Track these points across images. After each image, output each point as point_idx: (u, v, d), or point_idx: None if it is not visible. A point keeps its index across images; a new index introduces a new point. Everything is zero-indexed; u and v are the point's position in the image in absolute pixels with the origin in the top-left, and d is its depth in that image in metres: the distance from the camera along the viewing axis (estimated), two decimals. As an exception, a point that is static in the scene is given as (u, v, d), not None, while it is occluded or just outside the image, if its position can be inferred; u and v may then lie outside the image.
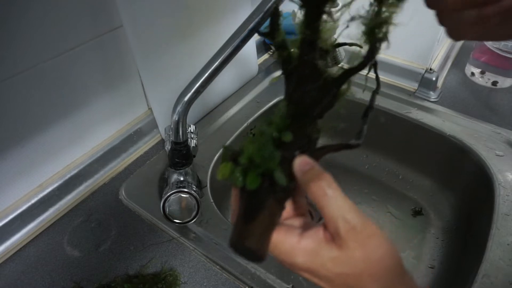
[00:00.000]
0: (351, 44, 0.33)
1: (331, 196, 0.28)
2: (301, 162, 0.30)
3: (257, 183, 0.29)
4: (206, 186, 0.64)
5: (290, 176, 0.30)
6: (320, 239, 0.28)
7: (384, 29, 0.29)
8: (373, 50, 0.30)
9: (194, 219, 0.56)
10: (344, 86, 0.31)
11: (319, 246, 0.28)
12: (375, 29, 0.29)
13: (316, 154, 0.31)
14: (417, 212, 0.81)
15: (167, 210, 0.55)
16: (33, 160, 0.56)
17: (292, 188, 0.31)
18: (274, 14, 0.34)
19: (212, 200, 0.62)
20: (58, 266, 0.54)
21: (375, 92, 0.33)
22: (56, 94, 0.54)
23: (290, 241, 0.29)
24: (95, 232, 0.58)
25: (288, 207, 0.32)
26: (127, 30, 0.57)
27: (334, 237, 0.28)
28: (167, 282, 0.51)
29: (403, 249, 0.75)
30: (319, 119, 0.32)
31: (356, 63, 0.31)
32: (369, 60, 0.30)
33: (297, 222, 0.32)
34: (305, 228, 0.30)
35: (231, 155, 0.30)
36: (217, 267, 0.54)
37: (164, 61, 0.65)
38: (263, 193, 0.29)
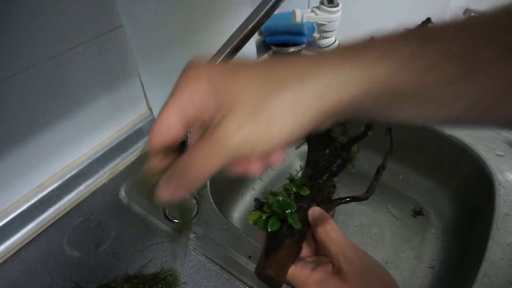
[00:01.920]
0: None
1: (333, 238, 0.36)
2: (313, 211, 0.39)
3: (276, 226, 0.37)
4: (206, 186, 0.64)
5: (306, 222, 0.39)
6: (328, 272, 0.35)
7: None
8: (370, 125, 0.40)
9: (194, 219, 0.56)
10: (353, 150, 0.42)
11: (326, 278, 0.35)
12: None
13: (329, 205, 0.41)
14: (417, 212, 0.81)
15: (167, 210, 0.55)
16: (33, 160, 0.56)
17: (307, 232, 0.39)
18: None
19: (212, 200, 0.62)
20: (58, 266, 0.54)
21: (388, 153, 0.45)
22: (56, 94, 0.54)
23: (304, 273, 0.36)
24: (95, 232, 0.58)
25: (309, 247, 0.40)
26: (127, 30, 0.57)
27: (338, 271, 0.34)
28: (167, 282, 0.51)
29: (403, 249, 0.75)
30: (334, 177, 0.42)
31: (358, 133, 0.41)
32: (368, 132, 0.41)
33: (313, 259, 0.39)
34: (318, 264, 0.37)
35: (259, 205, 0.39)
36: (217, 267, 0.54)
37: (164, 61, 0.65)
38: (282, 235, 0.37)
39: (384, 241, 0.77)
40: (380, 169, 0.45)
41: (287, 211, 0.38)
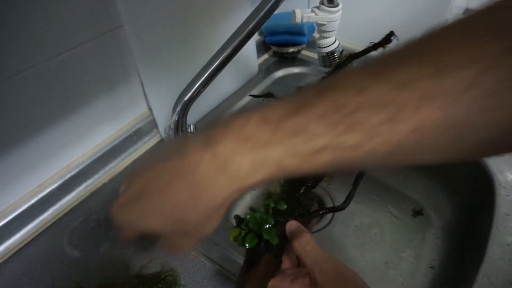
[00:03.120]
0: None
1: (308, 250, 0.37)
2: (290, 224, 0.40)
3: (254, 243, 0.39)
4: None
5: (285, 236, 0.40)
6: (305, 284, 0.36)
7: None
8: None
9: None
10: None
11: None
12: None
13: (307, 217, 0.43)
14: (417, 212, 0.81)
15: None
16: (33, 160, 0.56)
17: (286, 245, 0.40)
18: None
19: (212, 200, 0.62)
20: (58, 266, 0.54)
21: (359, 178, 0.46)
22: (56, 94, 0.54)
23: (284, 285, 0.37)
24: (95, 232, 0.58)
25: (291, 259, 0.41)
26: (127, 30, 0.57)
27: (315, 283, 0.35)
28: (167, 282, 0.51)
29: (403, 249, 0.75)
30: (311, 189, 0.44)
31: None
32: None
33: (293, 271, 0.40)
34: (297, 276, 0.38)
35: (238, 222, 0.41)
36: (217, 267, 0.54)
37: (164, 61, 0.65)
38: (261, 250, 0.39)
39: (384, 241, 0.77)
40: (358, 178, 0.46)
41: (265, 227, 0.39)
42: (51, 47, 0.51)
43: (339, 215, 0.82)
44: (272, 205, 0.42)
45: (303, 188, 0.44)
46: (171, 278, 0.52)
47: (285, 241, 0.41)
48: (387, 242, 0.77)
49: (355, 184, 0.46)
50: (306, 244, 0.38)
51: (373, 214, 0.81)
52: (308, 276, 0.37)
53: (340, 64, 0.51)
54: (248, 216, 0.40)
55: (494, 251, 0.55)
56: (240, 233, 0.40)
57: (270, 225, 0.40)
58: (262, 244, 0.39)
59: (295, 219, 0.41)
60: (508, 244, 0.56)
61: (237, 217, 0.42)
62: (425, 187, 0.83)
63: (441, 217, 0.79)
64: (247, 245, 0.39)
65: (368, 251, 0.75)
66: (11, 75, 0.48)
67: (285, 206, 0.41)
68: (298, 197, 0.43)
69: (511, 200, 0.62)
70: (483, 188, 0.68)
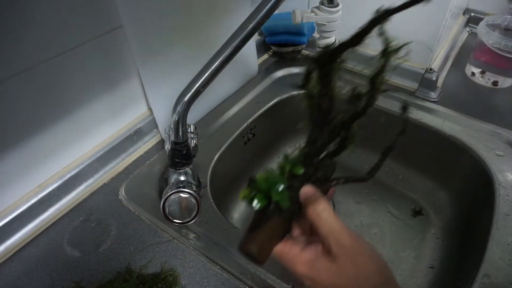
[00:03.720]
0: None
1: (324, 218, 0.34)
2: (304, 190, 0.37)
3: (263, 203, 0.36)
4: (206, 186, 0.64)
5: (298, 201, 0.37)
6: (318, 252, 0.34)
7: (383, 80, 0.36)
8: (373, 97, 0.37)
9: (194, 219, 0.56)
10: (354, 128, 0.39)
11: (316, 258, 0.34)
12: (377, 80, 0.36)
13: (324, 184, 0.39)
14: (417, 212, 0.81)
15: (167, 210, 0.55)
16: (33, 160, 0.56)
17: (297, 211, 0.37)
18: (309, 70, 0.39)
19: (212, 200, 0.62)
20: (58, 266, 0.54)
21: (400, 134, 0.40)
22: (56, 94, 0.54)
23: (294, 252, 0.35)
24: (95, 232, 0.58)
25: (304, 227, 0.39)
26: (127, 30, 0.57)
27: (328, 251, 0.33)
28: (167, 282, 0.51)
29: (403, 249, 0.75)
30: (333, 157, 0.39)
31: (359, 109, 0.38)
32: (370, 106, 0.37)
33: (305, 238, 0.37)
34: (309, 243, 0.35)
35: (250, 182, 0.38)
36: (217, 267, 0.54)
37: (164, 61, 0.65)
38: (269, 212, 0.36)
39: (384, 241, 0.77)
40: (388, 150, 0.41)
41: (276, 188, 0.36)
42: (50, 47, 0.51)
43: (339, 214, 0.82)
44: (288, 167, 0.38)
45: (323, 154, 0.39)
46: (171, 278, 0.52)
47: (299, 208, 0.37)
48: (387, 242, 0.77)
49: (383, 156, 0.41)
50: (322, 210, 0.34)
51: (373, 214, 0.82)
52: (321, 244, 0.34)
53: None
54: (258, 176, 0.37)
55: (494, 251, 0.55)
56: (250, 193, 0.37)
57: (282, 188, 0.36)
58: (272, 206, 0.36)
59: (313, 185, 0.38)
60: (508, 244, 0.56)
61: (251, 177, 0.38)
62: (425, 187, 0.83)
63: (441, 217, 0.79)
64: (255, 204, 0.36)
65: (368, 251, 0.75)
66: (11, 76, 0.48)
67: (302, 171, 0.38)
68: (316, 163, 0.39)
69: (511, 200, 0.62)
70: (483, 188, 0.68)
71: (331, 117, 0.38)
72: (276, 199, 0.35)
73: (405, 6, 0.33)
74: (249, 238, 0.35)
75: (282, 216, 0.36)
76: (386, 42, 0.35)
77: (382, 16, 0.33)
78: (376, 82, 0.36)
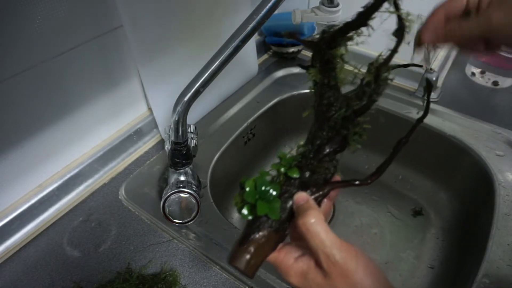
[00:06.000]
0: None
1: (313, 231, 0.32)
2: (297, 198, 0.34)
3: (252, 215, 0.33)
4: (206, 186, 0.64)
5: (292, 208, 0.34)
6: (310, 264, 0.33)
7: (388, 75, 0.33)
8: (379, 87, 0.33)
9: (194, 219, 0.56)
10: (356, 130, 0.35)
11: (308, 270, 0.32)
12: (381, 75, 0.33)
13: (324, 188, 0.35)
14: (417, 212, 0.81)
15: (167, 210, 0.55)
16: (33, 160, 0.56)
17: (290, 220, 0.34)
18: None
19: (212, 200, 0.62)
20: (58, 266, 0.54)
21: (420, 120, 0.38)
22: (56, 94, 0.54)
23: (287, 262, 0.33)
24: (95, 232, 0.58)
25: (298, 233, 0.35)
26: (127, 30, 0.57)
27: (321, 266, 0.32)
28: (167, 282, 0.51)
29: (403, 249, 0.75)
30: (334, 156, 0.36)
31: (359, 106, 0.34)
32: (371, 104, 0.34)
33: (301, 244, 0.35)
34: (304, 253, 0.34)
35: (240, 187, 0.34)
36: (217, 267, 0.54)
37: (164, 61, 0.65)
38: (260, 223, 0.33)
39: (384, 241, 0.77)
40: (401, 141, 0.37)
41: (265, 197, 0.33)
42: (51, 47, 0.51)
43: (339, 214, 0.82)
44: (282, 170, 0.34)
45: (322, 154, 0.35)
46: (171, 278, 0.52)
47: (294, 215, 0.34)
48: (387, 242, 0.77)
49: (393, 154, 0.37)
50: (312, 224, 0.32)
51: (373, 214, 0.82)
52: (315, 257, 0.33)
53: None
54: (246, 182, 0.33)
55: (494, 251, 0.55)
56: (240, 201, 0.34)
57: (273, 196, 0.33)
58: (263, 216, 0.33)
59: (309, 189, 0.34)
60: (508, 244, 0.56)
61: (241, 182, 0.35)
62: (425, 187, 0.83)
63: (441, 217, 0.79)
64: (245, 214, 0.33)
65: (368, 251, 0.75)
66: (11, 75, 0.48)
67: (296, 175, 0.34)
68: (314, 164, 0.35)
69: (511, 200, 0.62)
70: (483, 188, 0.68)
71: (334, 110, 0.35)
72: (265, 212, 0.32)
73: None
74: (237, 252, 0.33)
75: (274, 227, 0.33)
76: (402, 16, 0.31)
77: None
78: (381, 71, 0.33)
